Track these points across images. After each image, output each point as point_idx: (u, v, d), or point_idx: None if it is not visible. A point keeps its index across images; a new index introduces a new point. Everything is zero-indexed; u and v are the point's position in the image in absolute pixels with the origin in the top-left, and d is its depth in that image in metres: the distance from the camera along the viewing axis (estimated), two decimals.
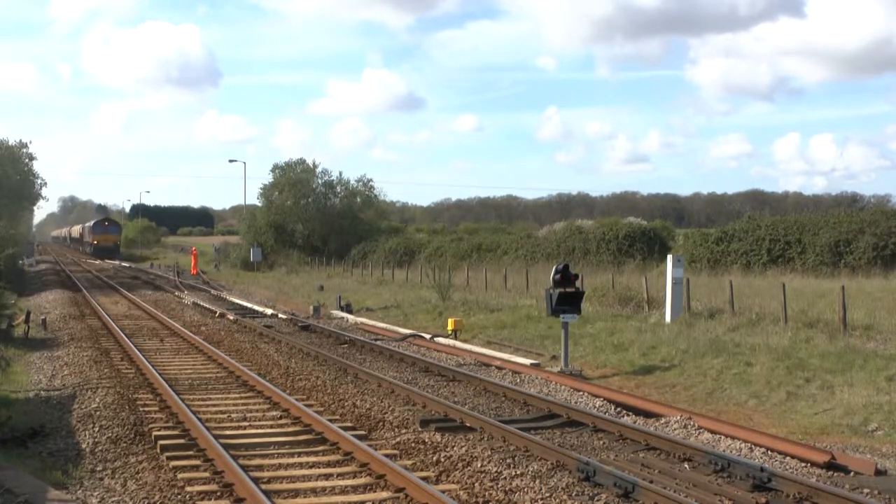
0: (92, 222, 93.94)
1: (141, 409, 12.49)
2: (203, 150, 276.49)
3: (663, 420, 12.44)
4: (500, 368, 17.26)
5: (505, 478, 9.17)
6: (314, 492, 8.78)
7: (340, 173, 68.89)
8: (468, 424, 11.68)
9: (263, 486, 8.59)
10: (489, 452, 10.13)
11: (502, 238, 54.61)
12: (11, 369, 16.38)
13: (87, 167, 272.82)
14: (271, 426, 11.65)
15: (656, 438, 10.90)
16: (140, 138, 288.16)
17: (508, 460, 9.84)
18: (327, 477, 9.24)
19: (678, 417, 12.38)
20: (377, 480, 8.98)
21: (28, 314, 22.73)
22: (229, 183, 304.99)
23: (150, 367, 15.56)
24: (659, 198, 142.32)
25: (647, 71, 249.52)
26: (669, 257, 22.23)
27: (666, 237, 46.95)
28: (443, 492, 8.43)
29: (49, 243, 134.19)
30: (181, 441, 10.53)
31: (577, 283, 17.36)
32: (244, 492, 8.41)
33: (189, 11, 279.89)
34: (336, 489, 8.87)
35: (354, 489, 8.88)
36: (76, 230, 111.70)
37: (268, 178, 67.27)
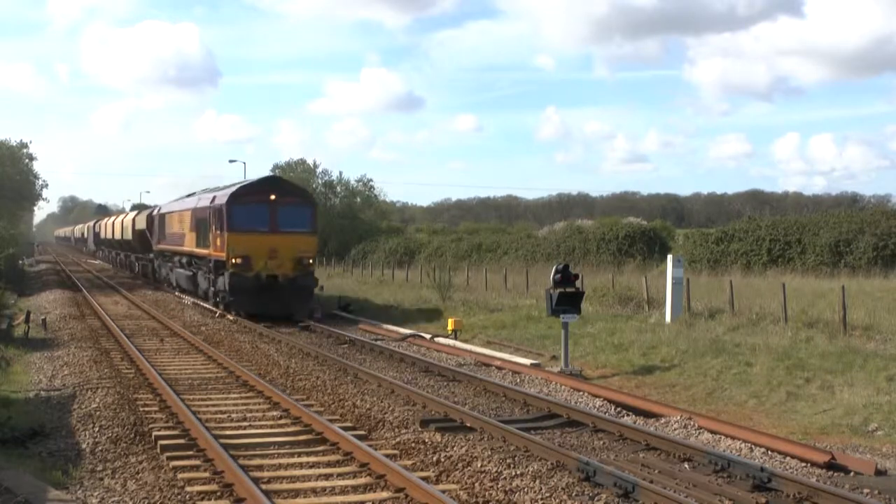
0: (225, 194, 26.73)
1: (141, 409, 12.48)
2: (203, 150, 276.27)
3: (663, 420, 12.44)
4: (500, 368, 17.26)
5: (505, 478, 9.17)
6: (314, 492, 8.78)
7: (340, 173, 69.02)
8: (468, 424, 11.68)
9: (263, 486, 8.59)
10: (489, 452, 10.13)
11: (502, 238, 54.64)
12: (11, 369, 16.38)
13: (87, 167, 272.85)
14: (271, 426, 11.65)
15: (656, 438, 10.90)
16: (140, 138, 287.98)
17: (508, 460, 9.84)
18: (327, 477, 9.24)
19: (678, 417, 12.38)
20: (377, 480, 8.98)
21: (28, 314, 22.72)
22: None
23: (150, 368, 15.56)
24: (659, 198, 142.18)
25: (645, 71, 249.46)
26: (669, 257, 22.24)
27: (666, 237, 46.98)
28: (443, 492, 8.43)
29: (52, 244, 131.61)
30: (181, 441, 10.53)
31: (578, 283, 17.37)
32: (244, 492, 8.41)
33: (186, 11, 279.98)
34: (336, 489, 8.87)
35: (354, 489, 8.88)
36: (124, 224, 50.50)
37: None
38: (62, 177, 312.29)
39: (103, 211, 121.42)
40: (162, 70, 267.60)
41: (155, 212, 40.39)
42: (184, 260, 32.56)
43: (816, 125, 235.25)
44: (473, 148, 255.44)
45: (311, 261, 25.68)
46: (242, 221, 25.35)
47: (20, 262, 50.66)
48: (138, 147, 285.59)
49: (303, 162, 67.25)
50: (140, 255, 46.52)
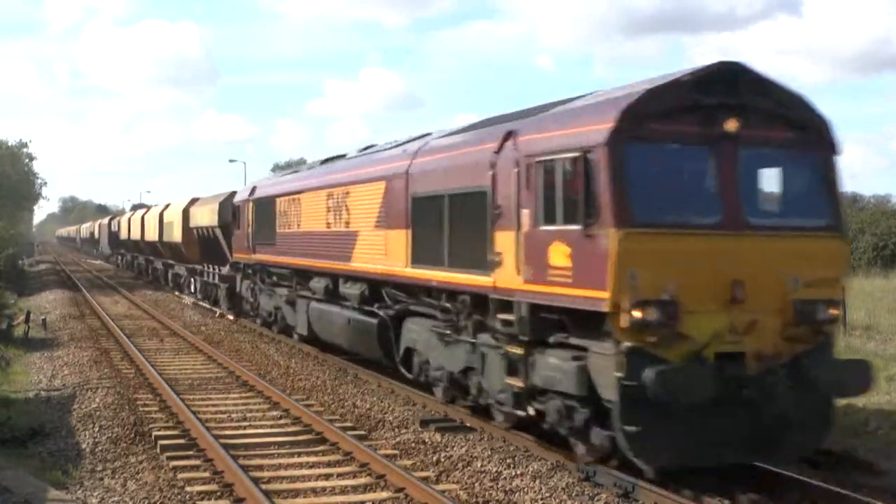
0: (590, 110, 8.76)
1: (141, 409, 12.49)
2: (202, 150, 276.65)
3: None
4: None
5: (505, 478, 9.17)
6: (314, 492, 8.78)
7: None
8: (468, 424, 11.67)
9: (263, 486, 8.59)
10: (489, 452, 10.12)
11: None
12: (11, 369, 16.38)
13: (87, 167, 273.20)
14: (271, 426, 11.65)
15: None
16: (140, 138, 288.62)
17: (508, 460, 9.83)
18: (327, 477, 9.24)
19: None
20: (377, 480, 8.98)
21: (28, 314, 22.70)
22: (229, 183, 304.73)
23: (150, 368, 15.57)
24: None
25: (645, 71, 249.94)
26: None
27: None
28: (443, 492, 8.43)
29: (52, 244, 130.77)
30: (181, 441, 10.54)
31: None
32: (244, 492, 8.42)
33: (186, 11, 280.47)
34: (336, 489, 8.88)
35: (354, 489, 8.88)
36: (164, 220, 34.94)
37: None
38: (62, 177, 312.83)
39: (103, 211, 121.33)
40: (162, 70, 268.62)
41: (245, 195, 23.04)
42: (352, 290, 15.00)
43: None
44: None
45: (833, 310, 9.01)
46: (659, 197, 8.50)
47: (20, 261, 50.65)
48: (138, 147, 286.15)
49: (303, 162, 67.34)
50: (194, 266, 30.96)
